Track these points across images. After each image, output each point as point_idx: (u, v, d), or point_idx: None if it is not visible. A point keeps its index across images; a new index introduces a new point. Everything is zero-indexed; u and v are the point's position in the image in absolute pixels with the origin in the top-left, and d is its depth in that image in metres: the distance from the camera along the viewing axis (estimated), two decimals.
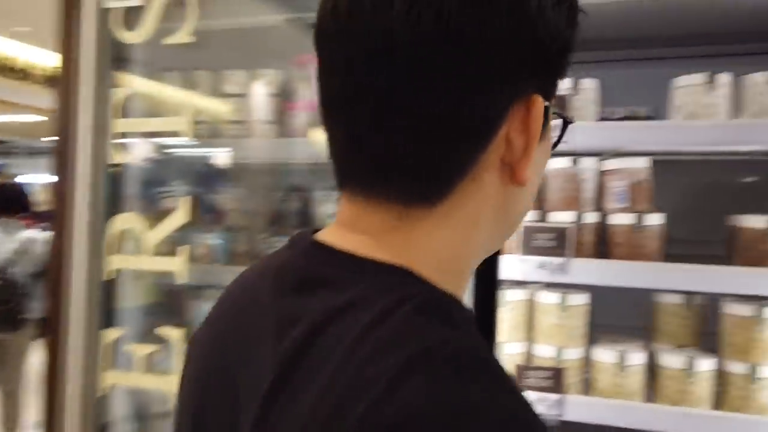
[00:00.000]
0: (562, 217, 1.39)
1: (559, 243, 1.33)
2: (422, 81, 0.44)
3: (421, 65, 0.44)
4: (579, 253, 1.37)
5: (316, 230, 0.54)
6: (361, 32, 0.45)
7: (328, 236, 0.51)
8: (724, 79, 1.29)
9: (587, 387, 1.42)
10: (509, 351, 1.43)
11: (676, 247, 1.59)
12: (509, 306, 1.44)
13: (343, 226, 0.51)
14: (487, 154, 0.47)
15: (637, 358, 1.35)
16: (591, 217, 1.38)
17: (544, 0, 0.46)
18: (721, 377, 1.34)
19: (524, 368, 1.37)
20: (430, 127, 0.45)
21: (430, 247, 0.48)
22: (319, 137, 1.44)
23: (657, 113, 1.61)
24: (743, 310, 1.31)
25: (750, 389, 1.29)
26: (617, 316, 1.59)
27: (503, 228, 0.53)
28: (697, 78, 1.30)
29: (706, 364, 1.31)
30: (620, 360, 1.35)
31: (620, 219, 1.37)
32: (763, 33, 1.56)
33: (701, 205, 1.68)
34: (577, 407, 1.35)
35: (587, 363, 1.43)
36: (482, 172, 0.48)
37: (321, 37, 0.49)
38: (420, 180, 0.47)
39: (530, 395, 1.38)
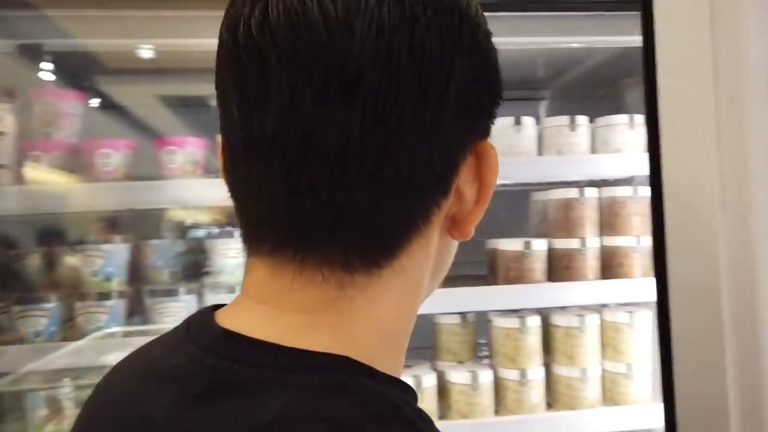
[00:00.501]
0: None
1: None
2: (390, 123, 0.37)
3: (391, 104, 0.37)
4: None
5: (217, 307, 0.44)
6: (313, 60, 0.36)
7: (242, 320, 0.40)
8: None
9: None
10: None
11: None
12: None
13: (263, 303, 0.41)
14: (440, 209, 0.42)
15: (429, 380, 1.45)
16: None
17: (488, 38, 0.43)
18: (498, 384, 1.51)
19: None
20: (394, 176, 0.38)
21: (374, 316, 0.42)
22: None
23: None
24: (509, 322, 1.49)
25: (521, 392, 1.47)
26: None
27: (434, 284, 0.49)
28: None
29: (486, 376, 1.46)
30: (416, 385, 1.43)
31: None
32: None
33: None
34: None
35: None
36: (431, 227, 0.43)
37: (237, 59, 0.39)
38: (374, 239, 0.40)
39: None
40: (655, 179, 0.78)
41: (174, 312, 1.32)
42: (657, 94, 0.77)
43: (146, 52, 1.36)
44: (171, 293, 1.35)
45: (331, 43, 0.36)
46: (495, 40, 0.45)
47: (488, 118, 0.45)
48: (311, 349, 0.38)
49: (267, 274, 0.41)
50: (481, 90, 0.43)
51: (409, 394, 0.41)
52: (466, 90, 0.40)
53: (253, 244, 0.42)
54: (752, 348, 0.70)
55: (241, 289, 0.44)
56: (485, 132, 0.45)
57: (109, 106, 1.65)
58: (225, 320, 0.41)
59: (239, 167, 0.41)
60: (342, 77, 0.36)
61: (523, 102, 1.99)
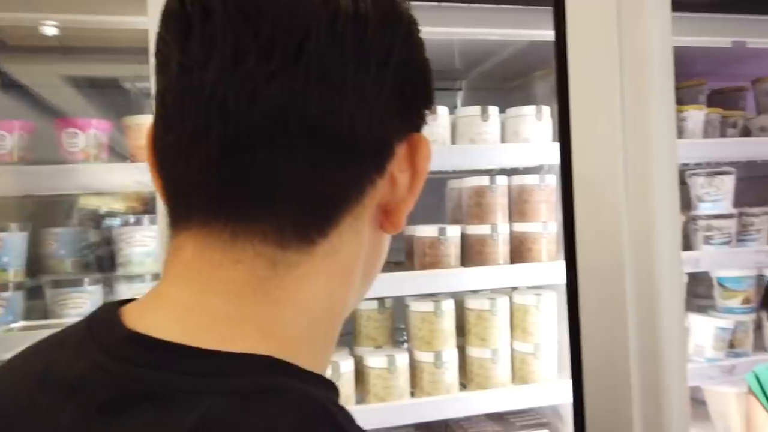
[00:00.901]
0: None
1: None
2: (333, 83, 0.38)
3: (335, 66, 0.38)
4: None
5: (124, 302, 0.40)
6: (261, 14, 0.36)
7: (154, 318, 0.38)
8: None
9: None
10: None
11: None
12: None
13: (187, 286, 0.39)
14: (375, 189, 0.42)
15: (347, 365, 1.46)
16: None
17: (422, 43, 0.45)
18: (414, 366, 1.54)
19: None
20: (333, 139, 0.39)
21: (302, 299, 0.40)
22: None
23: None
24: (424, 306, 1.53)
25: (437, 373, 1.51)
26: None
27: (366, 282, 0.48)
28: None
29: (402, 360, 1.49)
30: (334, 371, 1.44)
31: None
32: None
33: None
34: None
35: None
36: (364, 210, 0.42)
37: (182, 10, 0.38)
38: (308, 210, 0.39)
39: None
40: (566, 167, 0.82)
41: (79, 304, 1.25)
42: (568, 87, 0.81)
43: (50, 29, 1.26)
44: (75, 284, 1.27)
45: (280, 9, 0.37)
46: None
47: (422, 112, 0.46)
48: (232, 349, 0.35)
49: (195, 251, 0.39)
50: (416, 82, 0.44)
51: (334, 392, 0.40)
52: (403, 73, 0.42)
53: (180, 218, 0.40)
54: (651, 324, 0.76)
55: (162, 275, 0.41)
56: (419, 126, 0.46)
57: (10, 85, 1.52)
58: (133, 318, 0.38)
59: (172, 127, 0.39)
60: (288, 36, 0.37)
61: (440, 92, 2.03)
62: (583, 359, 0.80)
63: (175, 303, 0.39)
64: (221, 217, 0.38)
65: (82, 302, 1.24)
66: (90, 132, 1.24)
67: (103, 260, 1.35)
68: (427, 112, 0.47)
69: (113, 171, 1.17)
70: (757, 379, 1.11)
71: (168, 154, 0.40)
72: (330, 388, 0.40)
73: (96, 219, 1.44)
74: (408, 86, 0.43)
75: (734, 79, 2.02)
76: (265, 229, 0.38)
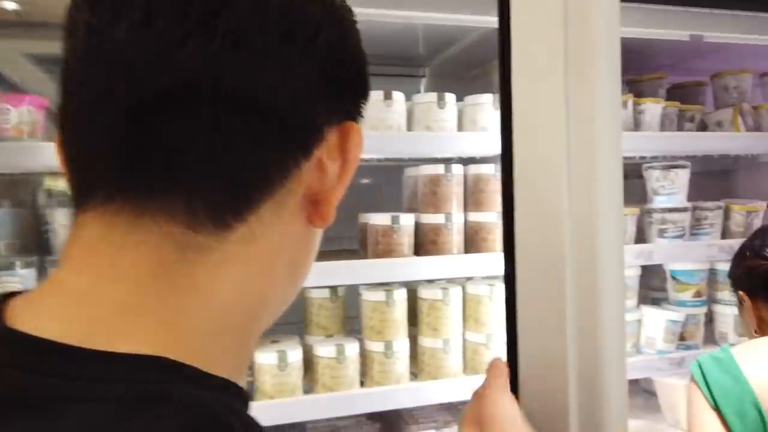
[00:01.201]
0: None
1: None
2: (254, 49, 0.35)
3: (256, 32, 0.35)
4: None
5: (10, 295, 0.36)
6: None
7: (39, 314, 0.34)
8: None
9: (253, 392, 1.45)
10: None
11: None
12: None
13: (82, 275, 0.35)
14: (300, 173, 0.39)
15: (294, 354, 1.43)
16: None
17: (357, 33, 0.43)
18: (365, 356, 1.52)
19: None
20: (251, 109, 0.36)
21: (213, 290, 0.36)
22: None
23: None
24: (375, 295, 1.51)
25: (387, 363, 1.49)
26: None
27: (294, 279, 0.44)
28: None
29: (352, 349, 1.47)
30: (281, 360, 1.41)
31: None
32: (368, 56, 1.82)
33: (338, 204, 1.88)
34: None
35: (251, 367, 1.46)
36: (288, 195, 0.39)
37: None
38: (223, 187, 0.36)
39: None
40: (506, 156, 0.79)
41: (10, 287, 1.19)
42: (511, 73, 0.79)
43: (9, 3, 1.20)
44: (6, 267, 1.21)
45: None
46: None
47: (357, 101, 0.44)
48: (123, 346, 0.32)
49: (98, 231, 0.35)
50: (349, 69, 0.42)
51: (239, 400, 0.37)
52: (335, 55, 0.40)
53: (83, 194, 0.36)
54: (591, 317, 0.75)
55: (61, 259, 0.37)
56: (353, 114, 0.44)
57: None
58: (15, 312, 0.34)
59: (76, 93, 0.36)
60: (206, 7, 0.34)
61: (403, 78, 2.00)
62: (519, 351, 0.78)
63: (70, 292, 0.35)
64: (125, 191, 0.35)
65: (12, 286, 1.19)
66: (23, 108, 1.18)
67: (39, 243, 1.29)
68: (362, 102, 0.45)
69: (45, 149, 1.12)
70: (700, 367, 1.11)
71: (71, 123, 0.36)
72: (236, 395, 0.36)
73: (31, 198, 1.38)
74: (341, 71, 0.41)
75: (697, 74, 2.03)
76: (173, 207, 0.35)
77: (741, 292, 1.24)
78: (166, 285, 0.35)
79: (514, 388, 0.79)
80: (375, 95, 1.47)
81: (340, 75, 0.41)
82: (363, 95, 0.45)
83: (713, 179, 2.10)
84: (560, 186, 0.76)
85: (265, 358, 1.41)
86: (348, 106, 0.43)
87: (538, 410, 0.77)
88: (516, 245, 0.80)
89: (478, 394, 0.67)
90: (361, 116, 0.45)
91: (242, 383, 0.39)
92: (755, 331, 1.21)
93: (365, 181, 1.98)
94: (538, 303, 0.78)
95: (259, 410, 1.39)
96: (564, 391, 0.75)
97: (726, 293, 1.84)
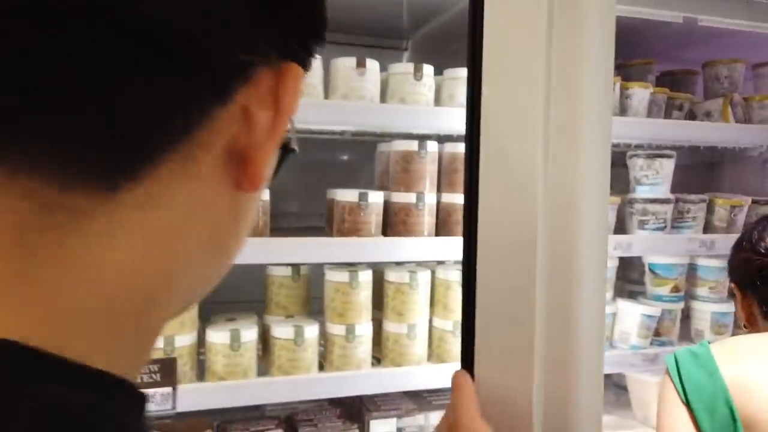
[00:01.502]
0: None
1: None
2: None
3: None
4: None
5: None
6: None
7: None
8: (317, 60, 1.36)
9: (204, 372, 1.36)
10: None
11: (281, 220, 1.65)
12: None
13: None
14: (215, 123, 0.30)
15: (249, 334, 1.35)
16: None
17: None
18: (326, 339, 1.45)
19: None
20: (139, 47, 0.27)
21: (97, 264, 0.29)
22: None
23: None
24: (339, 276, 1.43)
25: (348, 347, 1.42)
26: (233, 291, 1.58)
27: (219, 255, 0.36)
28: None
29: (311, 331, 1.39)
30: (233, 339, 1.33)
31: None
32: (344, 24, 1.72)
33: (305, 180, 1.79)
34: (189, 396, 1.28)
35: (201, 347, 1.38)
36: (200, 152, 0.30)
37: None
38: (105, 137, 0.27)
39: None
40: (472, 113, 0.70)
41: None
42: (482, 36, 0.70)
43: None
44: None
45: None
46: None
47: (305, 40, 0.35)
48: None
49: None
50: None
51: (125, 401, 0.29)
52: None
53: None
54: (564, 306, 0.66)
55: None
56: (298, 56, 0.34)
57: None
58: None
59: None
60: None
61: (386, 51, 1.91)
62: (475, 344, 0.70)
63: None
64: None
65: None
66: None
67: None
68: (312, 40, 0.35)
69: None
70: (676, 360, 1.06)
71: None
72: (120, 396, 0.28)
73: None
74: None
75: (687, 64, 1.96)
76: (38, 159, 0.27)
77: (733, 284, 1.18)
78: (29, 255, 0.27)
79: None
80: (347, 62, 1.37)
81: (281, 2, 0.32)
82: (313, 30, 0.35)
83: (697, 172, 2.04)
84: (535, 157, 0.67)
85: (218, 337, 1.33)
86: (290, 42, 0.34)
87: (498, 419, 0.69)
88: (479, 228, 0.72)
89: (449, 422, 0.59)
90: (309, 60, 0.35)
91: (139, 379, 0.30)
92: (744, 325, 1.17)
93: (342, 156, 1.89)
94: (501, 297, 0.70)
95: (209, 392, 1.31)
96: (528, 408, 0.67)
97: (705, 290, 1.78)
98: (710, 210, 1.76)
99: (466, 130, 0.72)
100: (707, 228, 1.76)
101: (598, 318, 0.67)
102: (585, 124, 0.67)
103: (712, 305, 1.77)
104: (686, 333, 1.83)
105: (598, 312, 0.67)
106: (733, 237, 1.75)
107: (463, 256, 0.72)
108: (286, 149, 0.38)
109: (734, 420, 1.01)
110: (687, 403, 1.03)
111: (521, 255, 0.67)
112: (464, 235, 0.72)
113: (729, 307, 1.77)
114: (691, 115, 1.81)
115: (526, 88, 0.67)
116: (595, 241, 0.65)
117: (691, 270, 1.80)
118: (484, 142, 0.70)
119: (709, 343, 1.11)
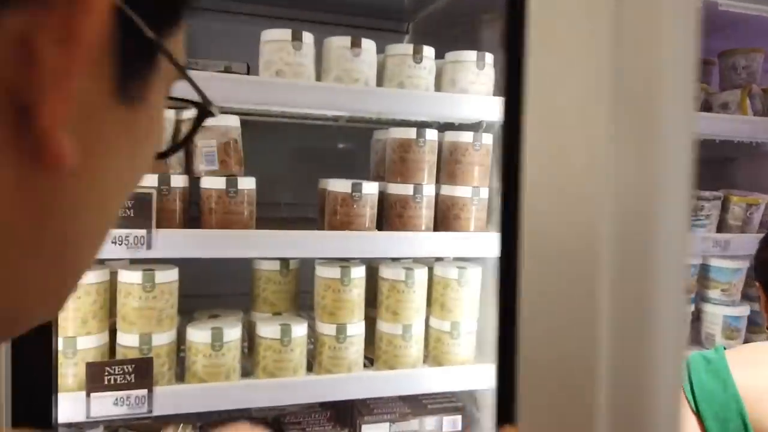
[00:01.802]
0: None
1: (138, 212, 1.13)
2: None
3: None
4: (166, 222, 1.19)
5: None
6: None
7: None
8: (309, 38, 1.26)
9: (184, 372, 1.27)
10: (83, 346, 1.18)
11: (271, 211, 1.55)
12: (82, 290, 1.18)
13: None
14: None
15: (232, 333, 1.26)
16: (177, 181, 1.22)
17: None
18: (316, 339, 1.36)
19: (102, 366, 1.14)
20: None
21: None
22: None
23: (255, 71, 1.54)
24: (330, 272, 1.33)
25: (339, 348, 1.33)
26: (218, 285, 1.49)
27: (43, 262, 0.25)
28: (283, 34, 1.23)
29: (299, 330, 1.30)
30: (215, 339, 1.23)
31: (212, 183, 1.24)
32: (341, 4, 1.62)
33: (298, 168, 1.70)
34: (167, 399, 1.19)
35: (182, 343, 1.28)
36: None
37: None
38: None
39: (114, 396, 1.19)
40: (510, 119, 0.60)
41: None
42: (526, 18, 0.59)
43: None
44: None
45: None
46: None
47: None
48: None
49: None
50: None
51: None
52: None
53: None
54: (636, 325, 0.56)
55: None
56: None
57: None
58: None
59: None
60: None
61: (386, 33, 1.81)
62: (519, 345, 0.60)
63: None
64: None
65: None
66: None
67: None
68: None
69: None
70: (688, 365, 1.00)
71: None
72: None
73: None
74: None
75: (704, 53, 1.86)
76: None
77: (758, 284, 1.09)
78: None
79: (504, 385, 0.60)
80: (341, 41, 1.27)
81: None
82: None
83: (712, 167, 1.94)
84: (600, 152, 0.56)
85: (199, 336, 1.24)
86: None
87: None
88: (523, 224, 0.60)
89: None
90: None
91: None
92: (767, 328, 1.09)
93: (336, 144, 1.79)
94: (552, 311, 0.58)
95: (188, 395, 1.22)
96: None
97: (717, 292, 1.69)
98: (725, 207, 1.67)
99: (504, 117, 0.61)
100: (721, 227, 1.67)
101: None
102: (662, 110, 0.57)
103: (725, 308, 1.68)
104: (696, 336, 1.74)
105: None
106: (748, 237, 1.66)
107: (501, 255, 0.60)
108: (204, 112, 0.28)
109: (746, 431, 0.95)
110: (697, 412, 0.98)
111: (580, 257, 0.57)
112: (502, 232, 0.61)
113: (742, 311, 1.68)
114: (707, 107, 1.71)
115: (588, 64, 0.56)
116: (676, 271, 0.52)
117: (703, 271, 1.71)
118: (530, 132, 0.59)
119: (724, 349, 1.04)
